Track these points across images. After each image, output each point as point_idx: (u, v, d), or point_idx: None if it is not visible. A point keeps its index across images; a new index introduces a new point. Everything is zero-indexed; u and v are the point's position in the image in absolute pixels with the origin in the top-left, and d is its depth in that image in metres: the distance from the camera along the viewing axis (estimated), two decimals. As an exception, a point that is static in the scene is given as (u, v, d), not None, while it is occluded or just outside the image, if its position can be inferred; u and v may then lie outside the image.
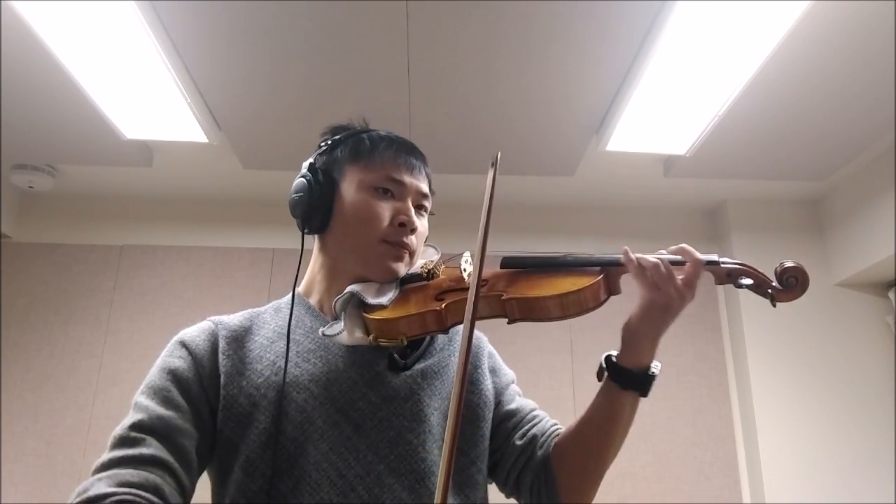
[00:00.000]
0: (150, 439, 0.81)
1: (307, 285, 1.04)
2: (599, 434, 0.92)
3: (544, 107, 2.39)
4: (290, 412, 0.86)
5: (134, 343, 3.01)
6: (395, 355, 0.92)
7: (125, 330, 3.03)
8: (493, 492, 0.99)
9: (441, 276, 0.99)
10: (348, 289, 0.92)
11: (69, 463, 2.82)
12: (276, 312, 1.01)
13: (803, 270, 0.86)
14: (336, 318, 0.91)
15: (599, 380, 0.93)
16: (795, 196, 3.19)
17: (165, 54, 2.06)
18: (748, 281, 0.87)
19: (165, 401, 0.85)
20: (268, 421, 0.85)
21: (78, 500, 0.73)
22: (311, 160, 1.01)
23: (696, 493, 2.87)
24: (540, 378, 2.99)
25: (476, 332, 1.06)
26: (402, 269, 0.98)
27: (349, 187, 0.98)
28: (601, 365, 0.93)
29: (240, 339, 0.94)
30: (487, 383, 1.00)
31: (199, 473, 0.88)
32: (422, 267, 1.00)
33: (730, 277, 0.88)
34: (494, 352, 1.09)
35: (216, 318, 0.97)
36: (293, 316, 0.96)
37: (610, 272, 0.90)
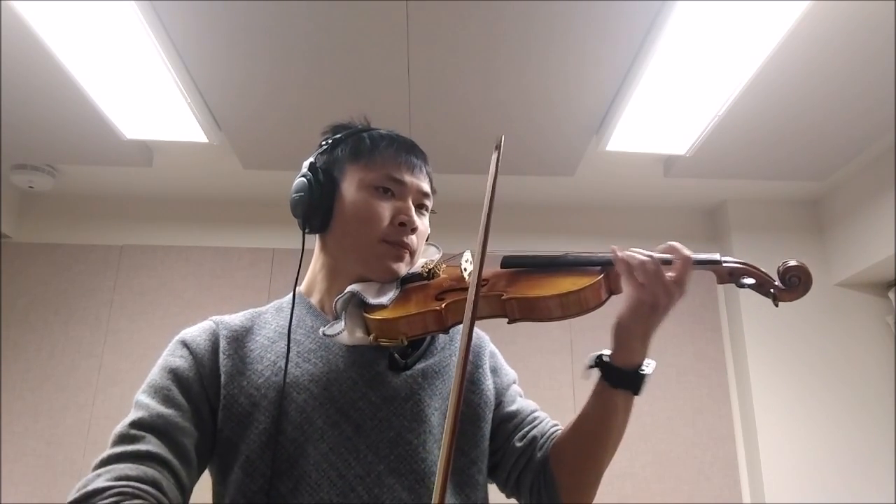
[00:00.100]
0: (149, 437, 0.81)
1: (308, 285, 1.04)
2: (595, 434, 0.92)
3: (544, 107, 2.39)
4: (291, 412, 0.86)
5: (134, 343, 3.01)
6: (396, 355, 0.92)
7: (125, 330, 3.03)
8: (494, 492, 0.99)
9: (442, 276, 0.99)
10: (349, 288, 0.92)
11: (69, 463, 2.82)
12: (277, 312, 1.01)
13: (806, 270, 0.85)
14: (337, 318, 0.91)
15: (585, 378, 0.93)
16: (795, 196, 3.19)
17: (165, 54, 2.06)
18: (750, 280, 0.86)
19: (166, 399, 0.85)
20: (268, 421, 0.85)
21: (77, 494, 0.74)
22: (311, 159, 1.01)
23: (696, 493, 2.87)
24: (540, 378, 2.99)
25: (478, 332, 1.06)
26: (403, 268, 0.98)
27: (349, 187, 0.98)
28: (587, 363, 0.92)
29: (241, 338, 0.94)
30: (488, 383, 1.00)
31: (200, 472, 0.88)
32: (422, 266, 1.00)
33: (732, 277, 0.87)
34: (496, 351, 1.09)
35: (217, 317, 0.98)
36: (294, 315, 0.96)
37: (611, 271, 0.89)
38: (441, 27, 2.01)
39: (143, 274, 3.13)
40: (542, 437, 0.98)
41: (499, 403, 1.01)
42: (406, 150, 1.00)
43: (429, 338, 0.97)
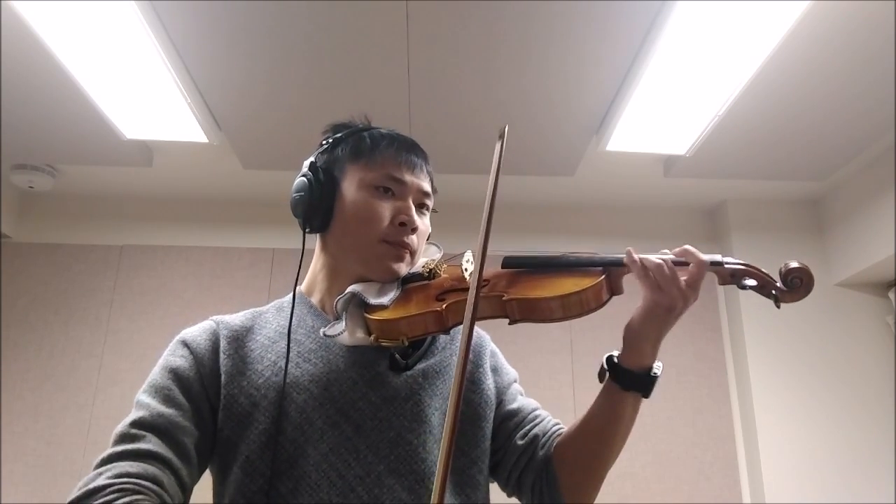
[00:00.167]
0: (150, 436, 0.81)
1: (309, 284, 1.04)
2: (601, 435, 0.92)
3: (544, 107, 2.38)
4: (291, 413, 0.86)
5: (134, 343, 3.01)
6: (397, 355, 0.92)
7: (125, 330, 3.03)
8: (495, 491, 0.99)
9: (442, 276, 0.99)
10: (349, 289, 0.92)
11: (69, 463, 2.82)
12: (278, 312, 1.01)
13: (808, 271, 0.85)
14: (337, 318, 0.91)
15: (601, 381, 0.93)
16: (795, 196, 3.19)
17: (165, 54, 2.06)
18: (752, 282, 0.86)
19: (167, 399, 0.86)
20: (268, 421, 0.85)
21: (78, 493, 0.75)
22: (312, 159, 1.01)
23: (696, 493, 2.87)
24: (540, 378, 2.99)
25: (478, 331, 1.06)
26: (403, 268, 0.98)
27: (350, 186, 0.97)
28: (602, 366, 0.92)
29: (241, 338, 0.94)
30: (489, 382, 1.00)
31: (201, 472, 0.88)
32: (423, 266, 1.00)
33: (733, 278, 0.87)
34: (497, 350, 1.08)
35: (218, 317, 0.98)
36: (295, 315, 0.96)
37: (612, 272, 0.89)
38: (441, 27, 2.01)
39: (143, 274, 3.13)
40: (543, 435, 0.97)
41: (499, 402, 1.01)
42: (407, 150, 1.00)
43: (429, 338, 0.97)
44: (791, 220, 3.21)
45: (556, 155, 2.73)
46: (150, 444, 0.80)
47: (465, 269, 0.95)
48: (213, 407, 0.88)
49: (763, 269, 0.88)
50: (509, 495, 1.02)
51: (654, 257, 0.87)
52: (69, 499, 0.75)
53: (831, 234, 3.12)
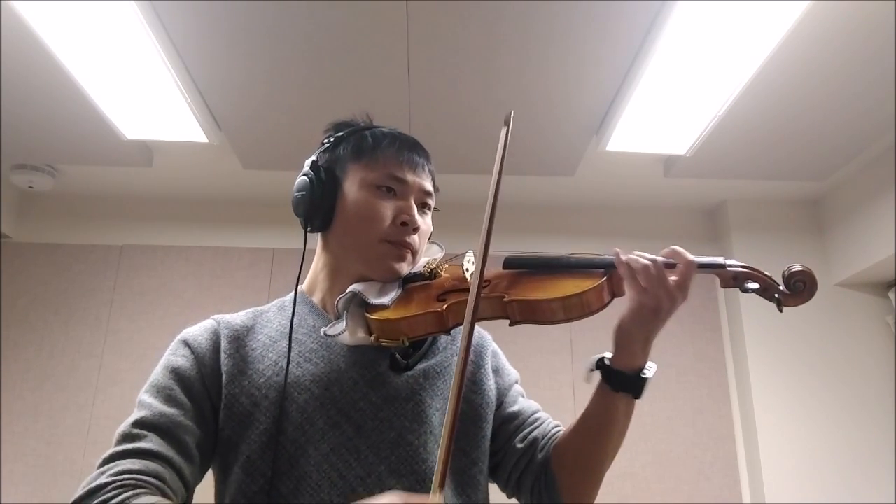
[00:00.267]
0: (151, 435, 0.82)
1: (310, 283, 1.04)
2: (596, 436, 0.92)
3: (544, 107, 2.38)
4: (291, 413, 0.86)
5: (134, 343, 3.01)
6: (397, 355, 0.92)
7: (125, 330, 3.03)
8: (495, 491, 0.99)
9: (444, 276, 0.98)
10: (350, 288, 0.92)
11: (69, 463, 2.82)
12: (279, 311, 1.01)
13: (811, 275, 0.84)
14: (338, 318, 0.91)
15: (587, 381, 0.92)
16: (795, 196, 3.19)
17: (165, 54, 2.06)
18: (754, 285, 0.85)
19: (168, 399, 0.86)
20: (269, 421, 0.85)
21: (81, 492, 0.75)
22: (313, 158, 1.01)
23: (696, 493, 2.87)
24: (540, 378, 2.99)
25: (480, 331, 1.06)
26: (405, 268, 0.98)
27: (351, 185, 0.97)
28: (589, 366, 0.92)
29: (242, 338, 0.94)
30: (490, 384, 1.00)
31: (203, 471, 0.88)
32: (425, 266, 1.00)
33: (736, 281, 0.87)
34: (499, 351, 1.08)
35: (219, 316, 0.98)
36: (296, 315, 0.96)
37: (613, 274, 0.88)
38: (441, 27, 2.01)
39: (143, 274, 3.13)
40: (543, 438, 0.97)
41: (500, 404, 1.01)
42: (408, 149, 1.00)
43: (430, 338, 0.97)
44: (791, 220, 3.21)
45: (556, 155, 2.73)
46: (152, 443, 0.81)
47: (467, 270, 0.95)
48: (214, 406, 0.88)
49: (766, 272, 0.87)
50: (509, 496, 1.02)
51: (643, 258, 0.86)
52: (72, 499, 0.75)
53: (831, 234, 3.12)
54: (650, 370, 0.90)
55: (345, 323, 0.89)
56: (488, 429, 0.97)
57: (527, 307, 0.87)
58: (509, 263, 0.95)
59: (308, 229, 0.98)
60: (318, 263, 1.03)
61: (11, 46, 2.05)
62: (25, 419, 2.88)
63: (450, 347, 0.99)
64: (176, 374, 0.89)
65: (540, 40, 2.04)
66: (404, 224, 0.95)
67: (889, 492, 2.78)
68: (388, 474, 0.84)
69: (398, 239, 0.95)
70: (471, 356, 1.00)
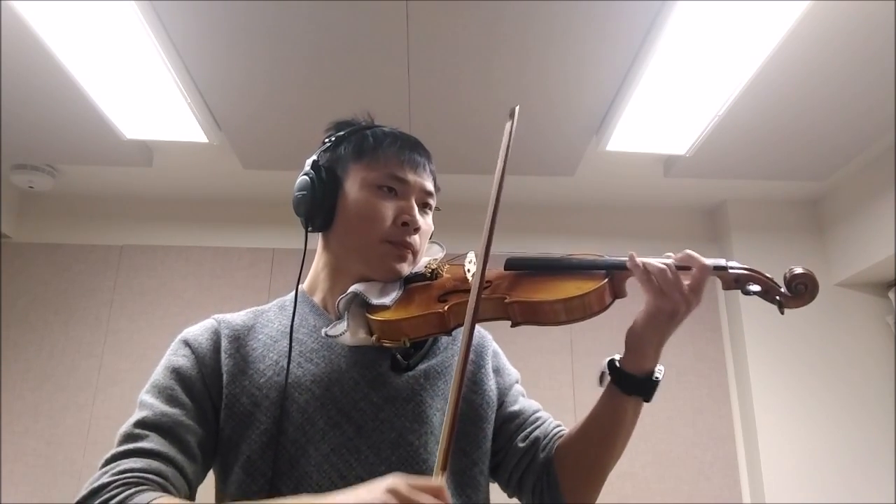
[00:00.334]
0: (153, 435, 0.82)
1: (311, 283, 1.03)
2: (602, 438, 0.92)
3: (544, 107, 2.38)
4: (292, 413, 0.86)
5: (134, 343, 3.01)
6: (398, 356, 0.92)
7: (125, 330, 3.03)
8: (495, 491, 0.99)
9: (445, 276, 0.98)
10: (351, 288, 0.92)
11: (69, 463, 2.82)
12: (280, 310, 1.01)
13: (813, 277, 0.85)
14: (339, 318, 0.91)
15: (600, 384, 0.92)
16: (795, 196, 3.19)
17: (165, 54, 2.05)
18: (756, 287, 0.86)
19: (170, 399, 0.86)
20: (269, 421, 0.85)
21: (84, 493, 0.76)
22: (314, 157, 1.00)
23: (696, 493, 2.87)
24: (540, 378, 2.99)
25: (480, 331, 1.06)
26: (406, 268, 0.98)
27: (352, 185, 0.97)
28: (602, 370, 0.92)
29: (243, 337, 0.94)
30: (491, 384, 1.00)
31: (206, 470, 0.88)
32: (426, 266, 1.00)
33: (737, 283, 0.87)
34: (499, 351, 1.08)
35: (220, 316, 0.97)
36: (297, 314, 0.96)
37: (615, 276, 0.88)
38: (441, 27, 2.01)
39: (143, 274, 3.13)
40: (544, 437, 0.97)
41: (501, 404, 1.01)
42: (409, 148, 1.00)
43: (431, 338, 0.97)
44: (791, 220, 3.21)
45: (556, 155, 2.73)
46: (154, 442, 0.81)
47: (468, 271, 0.95)
48: (215, 406, 0.88)
49: (767, 275, 0.87)
50: (510, 496, 1.02)
51: (657, 261, 0.86)
52: (76, 500, 0.75)
53: (831, 234, 3.12)
54: (660, 373, 0.90)
55: (346, 323, 0.89)
56: (489, 429, 0.96)
57: (528, 309, 0.86)
58: (510, 264, 0.95)
59: (309, 229, 0.98)
60: (318, 263, 1.03)
61: (11, 46, 2.05)
62: (25, 419, 2.88)
63: (451, 347, 0.99)
64: (177, 373, 0.89)
65: (540, 40, 2.04)
66: (405, 224, 0.95)
67: (889, 492, 2.78)
68: (388, 474, 0.84)
69: (399, 239, 0.95)
70: (471, 356, 1.00)
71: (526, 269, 0.94)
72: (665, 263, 0.86)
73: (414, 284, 0.98)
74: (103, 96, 2.28)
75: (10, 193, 3.12)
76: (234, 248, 3.19)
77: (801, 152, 2.70)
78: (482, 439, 0.95)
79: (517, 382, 1.07)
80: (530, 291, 0.88)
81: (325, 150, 1.01)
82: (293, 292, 1.00)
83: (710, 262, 0.87)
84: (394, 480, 0.66)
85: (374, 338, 0.89)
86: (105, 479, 0.76)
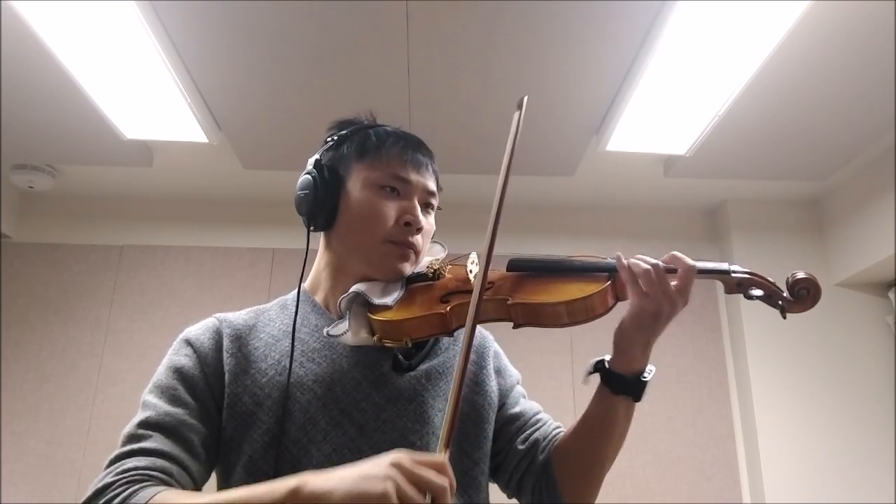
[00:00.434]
0: (157, 435, 0.82)
1: (312, 282, 1.03)
2: (596, 438, 0.92)
3: (544, 107, 2.38)
4: (294, 413, 0.86)
5: (134, 343, 3.01)
6: (400, 356, 0.92)
7: (125, 330, 3.03)
8: (495, 491, 0.99)
9: (447, 277, 0.98)
10: (353, 288, 0.92)
11: (69, 463, 2.82)
12: (281, 310, 1.00)
13: (815, 282, 0.84)
14: (341, 318, 0.91)
15: (584, 383, 0.93)
16: (795, 196, 3.19)
17: (165, 54, 2.05)
18: (759, 292, 0.85)
19: (172, 398, 0.86)
20: (271, 421, 0.85)
21: (89, 493, 0.76)
22: (317, 156, 1.00)
23: (696, 493, 2.87)
24: (540, 378, 2.99)
25: (482, 331, 1.06)
26: (408, 268, 0.97)
27: (355, 185, 0.97)
28: (588, 368, 0.92)
29: (244, 336, 0.94)
30: (492, 384, 1.00)
31: (210, 469, 0.88)
32: (428, 266, 0.99)
33: (740, 287, 0.87)
34: (500, 351, 1.08)
35: (221, 315, 0.97)
36: (298, 314, 0.96)
37: (617, 278, 0.88)
38: (441, 27, 2.01)
39: (143, 274, 3.13)
40: (544, 439, 0.97)
41: (502, 405, 1.01)
42: (412, 148, 0.99)
43: (433, 338, 0.97)
44: (791, 220, 3.21)
45: (556, 155, 2.73)
46: (157, 442, 0.81)
47: (471, 271, 0.94)
48: (217, 405, 0.88)
49: (770, 279, 0.87)
50: (510, 497, 1.02)
51: (642, 262, 0.86)
52: (81, 501, 0.76)
53: (831, 234, 3.12)
54: (650, 373, 0.90)
55: (347, 323, 0.88)
56: (490, 430, 0.96)
57: (530, 310, 0.86)
58: (513, 266, 0.95)
59: (311, 228, 0.98)
60: (320, 262, 1.03)
61: (11, 46, 2.05)
62: (25, 419, 2.88)
63: (452, 348, 0.99)
64: (179, 373, 0.89)
65: (540, 40, 2.04)
66: (408, 224, 0.95)
67: (889, 492, 2.78)
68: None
69: (401, 239, 0.95)
70: (473, 357, 1.00)
71: (528, 270, 0.94)
72: (650, 264, 0.85)
73: (416, 285, 0.98)
74: (103, 96, 2.28)
75: (10, 193, 3.12)
76: (234, 248, 3.19)
77: (801, 152, 2.70)
78: (483, 440, 0.95)
79: (518, 383, 1.07)
80: (533, 293, 0.88)
81: (327, 149, 1.01)
82: (294, 291, 1.00)
83: (708, 264, 0.87)
84: (398, 455, 0.66)
85: (375, 338, 0.89)
86: (109, 479, 0.76)
